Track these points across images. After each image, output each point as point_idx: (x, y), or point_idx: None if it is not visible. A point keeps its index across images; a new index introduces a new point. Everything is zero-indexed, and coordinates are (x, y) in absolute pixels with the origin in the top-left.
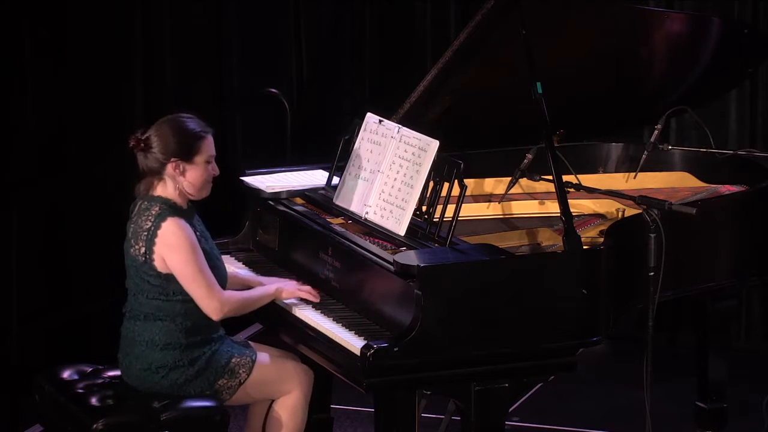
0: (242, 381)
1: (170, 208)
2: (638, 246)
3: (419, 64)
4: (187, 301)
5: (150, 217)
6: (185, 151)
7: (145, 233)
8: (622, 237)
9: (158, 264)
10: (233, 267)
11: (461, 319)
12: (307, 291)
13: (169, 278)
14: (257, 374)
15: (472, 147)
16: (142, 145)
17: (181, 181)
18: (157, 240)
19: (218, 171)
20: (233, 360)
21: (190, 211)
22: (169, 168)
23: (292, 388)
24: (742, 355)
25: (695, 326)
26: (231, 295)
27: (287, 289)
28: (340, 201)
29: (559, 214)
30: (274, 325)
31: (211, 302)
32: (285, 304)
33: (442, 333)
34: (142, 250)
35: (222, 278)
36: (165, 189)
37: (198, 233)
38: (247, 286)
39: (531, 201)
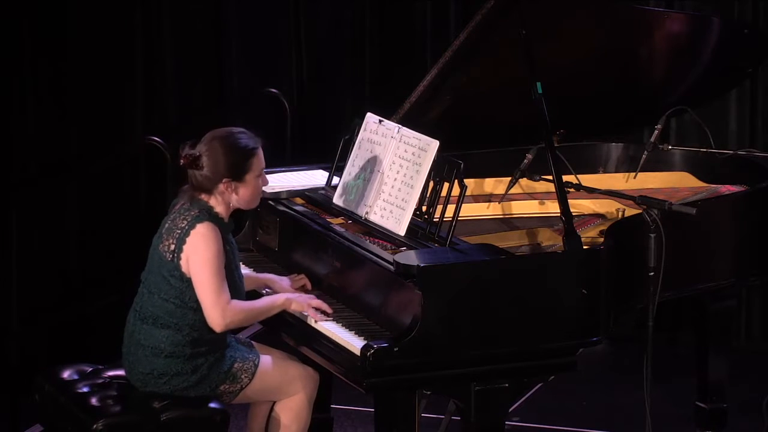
0: (244, 386)
1: (209, 215)
2: (638, 246)
3: (419, 64)
4: (199, 310)
5: (188, 217)
6: (236, 172)
7: (179, 231)
8: (622, 237)
9: (184, 265)
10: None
11: (461, 319)
12: (318, 304)
13: (190, 283)
14: (260, 378)
15: (472, 147)
16: (193, 164)
17: (233, 198)
18: (188, 240)
19: (268, 181)
20: (236, 365)
21: (228, 225)
22: (221, 187)
23: (296, 390)
24: (742, 355)
25: (695, 326)
26: (236, 304)
27: (297, 301)
28: (340, 201)
29: (559, 214)
30: (274, 325)
31: (215, 308)
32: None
33: (442, 333)
34: (172, 247)
35: (239, 294)
36: (212, 199)
37: (228, 247)
38: (259, 287)
39: (531, 201)
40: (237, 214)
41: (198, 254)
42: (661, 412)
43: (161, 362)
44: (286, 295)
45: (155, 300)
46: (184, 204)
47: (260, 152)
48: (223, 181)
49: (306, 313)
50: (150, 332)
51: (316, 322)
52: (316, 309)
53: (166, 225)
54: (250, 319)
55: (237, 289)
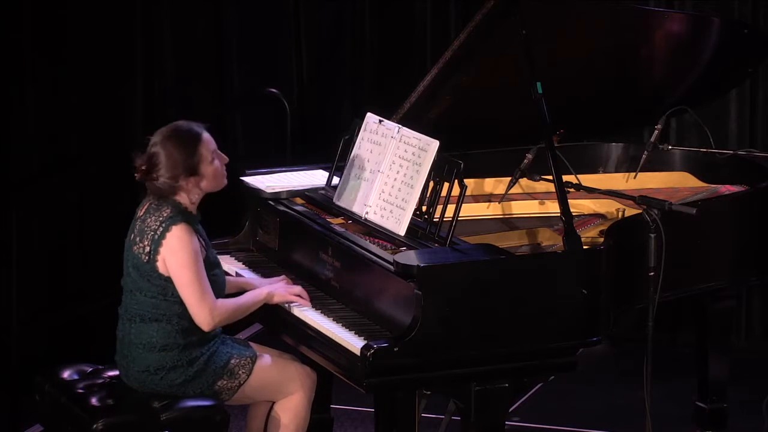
0: (242, 382)
1: (181, 213)
2: (638, 246)
3: (419, 64)
4: (184, 303)
5: (160, 218)
6: (189, 168)
7: (153, 233)
8: (622, 237)
9: (161, 266)
10: (233, 267)
11: (461, 319)
12: (297, 293)
13: (170, 280)
14: (258, 376)
15: (472, 147)
16: (148, 176)
17: (197, 191)
18: (164, 242)
19: (227, 158)
20: (232, 361)
21: (197, 217)
22: (182, 183)
23: (295, 390)
24: (742, 355)
25: (695, 326)
26: (222, 303)
27: (278, 293)
28: (340, 201)
29: (559, 214)
30: (275, 325)
31: (202, 309)
32: (285, 304)
33: (442, 333)
34: (147, 249)
35: (219, 286)
36: (178, 195)
37: (202, 240)
38: (242, 290)
39: (531, 201)
40: (237, 215)
41: (176, 258)
42: (661, 412)
43: (155, 357)
44: (267, 289)
45: (138, 297)
46: (153, 203)
47: (205, 137)
48: (180, 180)
49: (291, 303)
50: (139, 329)
51: (301, 310)
52: (295, 300)
53: (137, 225)
54: (236, 316)
55: (216, 278)
